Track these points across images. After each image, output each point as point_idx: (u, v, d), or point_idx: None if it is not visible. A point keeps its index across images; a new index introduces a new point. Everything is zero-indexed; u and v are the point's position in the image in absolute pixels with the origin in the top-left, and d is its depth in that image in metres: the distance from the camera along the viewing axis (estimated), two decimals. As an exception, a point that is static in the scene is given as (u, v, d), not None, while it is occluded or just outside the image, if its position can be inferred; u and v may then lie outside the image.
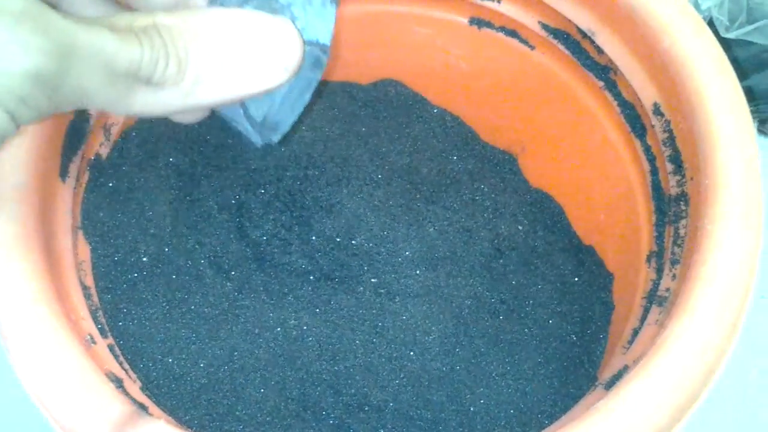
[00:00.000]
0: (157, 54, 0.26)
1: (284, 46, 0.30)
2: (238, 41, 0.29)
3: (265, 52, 0.29)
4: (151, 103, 0.27)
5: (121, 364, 0.36)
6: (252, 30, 0.29)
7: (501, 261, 0.44)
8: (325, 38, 0.34)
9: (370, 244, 0.42)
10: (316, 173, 0.44)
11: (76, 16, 0.25)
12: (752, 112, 0.35)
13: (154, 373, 0.37)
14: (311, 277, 0.41)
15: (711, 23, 0.50)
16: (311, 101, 0.35)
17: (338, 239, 0.42)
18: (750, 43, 0.50)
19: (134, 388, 0.34)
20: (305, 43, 0.31)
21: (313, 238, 0.42)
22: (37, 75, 0.23)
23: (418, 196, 0.45)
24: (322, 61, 0.34)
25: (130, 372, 0.36)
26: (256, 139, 0.35)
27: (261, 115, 0.34)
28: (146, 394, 0.36)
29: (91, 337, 0.35)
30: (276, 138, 0.36)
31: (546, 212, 0.47)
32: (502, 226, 0.45)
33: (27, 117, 0.24)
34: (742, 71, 0.52)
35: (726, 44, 0.50)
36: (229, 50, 0.28)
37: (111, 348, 0.36)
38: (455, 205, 0.46)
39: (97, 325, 0.36)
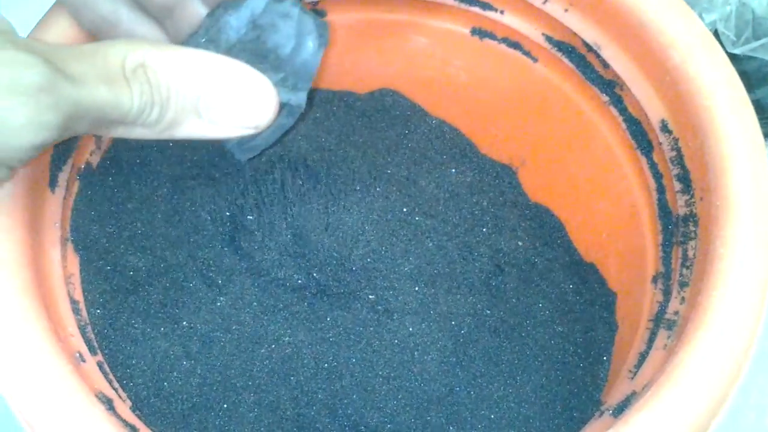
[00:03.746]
0: (144, 103, 0.28)
1: (259, 106, 0.32)
2: (217, 92, 0.31)
3: (239, 107, 0.32)
4: (127, 134, 0.30)
5: (110, 382, 0.34)
6: (232, 83, 0.31)
7: (501, 278, 0.43)
8: (305, 86, 0.35)
9: (368, 259, 0.41)
10: (312, 185, 0.43)
11: (73, 52, 0.27)
12: (760, 125, 0.34)
13: (145, 392, 0.36)
14: (307, 293, 0.40)
15: (716, 36, 0.50)
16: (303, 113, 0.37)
17: (335, 254, 0.41)
18: (757, 56, 0.49)
19: (124, 408, 0.33)
20: (282, 98, 0.33)
21: (309, 251, 0.41)
22: (44, 145, 0.26)
23: (416, 209, 0.44)
24: (296, 112, 0.35)
25: (120, 391, 0.35)
26: (228, 147, 0.37)
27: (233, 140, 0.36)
28: (136, 414, 0.34)
29: (80, 355, 0.34)
30: (243, 158, 0.37)
31: (546, 227, 0.46)
32: (502, 242, 0.44)
33: (20, 165, 0.27)
34: (749, 84, 0.51)
35: (732, 57, 0.49)
36: (207, 99, 0.31)
37: (100, 365, 0.35)
38: (454, 220, 0.45)
39: (86, 342, 0.35)
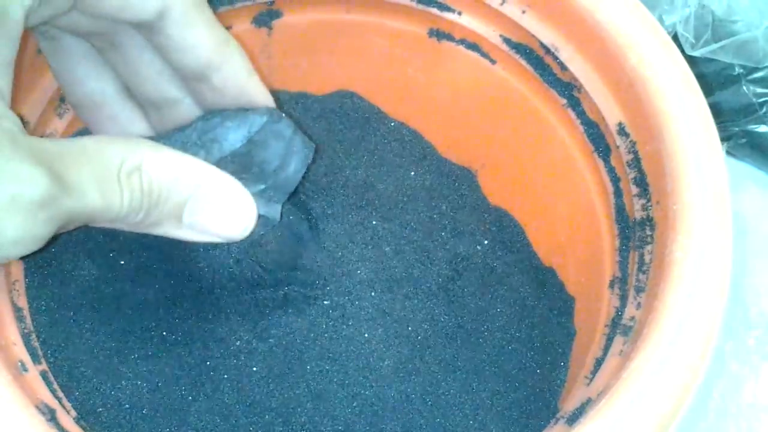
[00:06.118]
0: (132, 208, 0.28)
1: (240, 221, 0.33)
2: (202, 201, 0.31)
3: (221, 219, 0.32)
4: (105, 225, 0.30)
5: (54, 392, 0.33)
6: (218, 195, 0.32)
7: (459, 282, 0.42)
8: (281, 198, 0.36)
9: (323, 264, 0.41)
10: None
11: (76, 153, 0.27)
12: (718, 129, 0.34)
13: (92, 401, 0.35)
14: (260, 298, 0.40)
15: (675, 39, 0.49)
16: None
17: (289, 258, 0.40)
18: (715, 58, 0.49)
19: (67, 419, 0.32)
20: (259, 210, 0.34)
21: (262, 256, 0.40)
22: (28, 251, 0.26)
23: (374, 213, 0.43)
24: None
25: (65, 401, 0.34)
26: None
27: None
28: (81, 425, 0.33)
29: (23, 364, 0.32)
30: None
31: (506, 231, 0.46)
32: (461, 246, 0.44)
33: None
34: (707, 87, 0.51)
35: (691, 60, 0.49)
36: (192, 207, 0.31)
37: (44, 375, 0.34)
38: (412, 224, 0.44)
39: (29, 350, 0.34)
